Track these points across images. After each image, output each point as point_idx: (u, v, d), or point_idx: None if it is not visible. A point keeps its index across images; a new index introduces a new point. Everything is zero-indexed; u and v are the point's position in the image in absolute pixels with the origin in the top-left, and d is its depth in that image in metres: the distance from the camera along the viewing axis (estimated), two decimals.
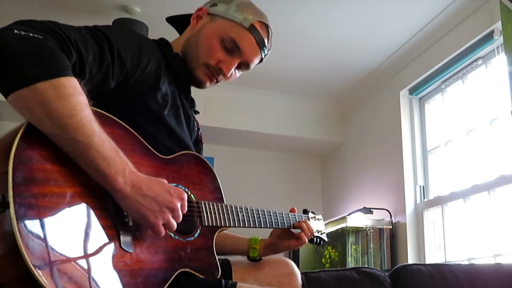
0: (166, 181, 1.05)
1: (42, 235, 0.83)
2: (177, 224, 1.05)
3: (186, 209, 1.07)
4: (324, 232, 1.62)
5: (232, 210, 1.29)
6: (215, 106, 4.27)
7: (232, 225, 1.28)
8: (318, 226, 1.59)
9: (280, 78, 4.23)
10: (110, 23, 3.22)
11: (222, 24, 1.32)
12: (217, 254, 1.23)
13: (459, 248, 3.26)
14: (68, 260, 0.86)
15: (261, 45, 1.34)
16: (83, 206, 0.93)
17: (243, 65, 1.37)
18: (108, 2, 3.23)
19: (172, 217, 1.03)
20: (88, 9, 3.29)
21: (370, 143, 4.22)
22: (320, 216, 1.65)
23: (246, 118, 4.46)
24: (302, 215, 1.55)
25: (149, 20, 3.27)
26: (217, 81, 1.36)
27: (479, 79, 3.29)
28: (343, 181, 4.61)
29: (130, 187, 0.97)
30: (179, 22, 1.44)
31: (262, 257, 1.48)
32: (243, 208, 1.32)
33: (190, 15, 1.40)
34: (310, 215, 1.59)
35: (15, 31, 0.90)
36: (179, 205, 1.03)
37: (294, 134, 4.61)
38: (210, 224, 1.22)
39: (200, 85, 1.36)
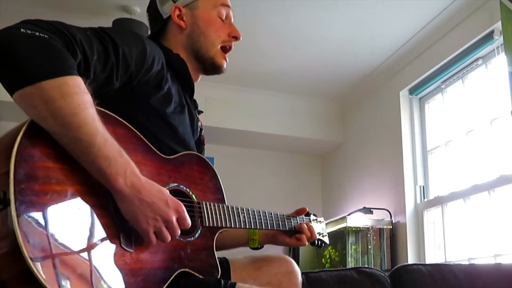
0: (167, 191, 1.05)
1: (42, 233, 0.83)
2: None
3: (189, 223, 1.07)
4: (325, 235, 1.62)
5: (234, 211, 1.29)
6: (215, 106, 4.26)
7: (233, 226, 1.28)
8: (319, 228, 1.59)
9: (280, 78, 4.23)
10: (110, 23, 3.23)
11: (203, 3, 1.38)
12: (217, 249, 1.23)
13: (459, 248, 3.26)
14: (68, 258, 0.87)
15: None
16: (84, 205, 0.93)
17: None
18: (108, 2, 3.23)
19: (167, 228, 1.03)
20: (88, 9, 3.29)
21: (370, 143, 4.22)
22: (321, 219, 1.64)
23: (246, 118, 4.46)
24: (304, 217, 1.55)
25: None
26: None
27: (479, 79, 3.29)
28: (343, 181, 4.60)
29: (130, 188, 0.97)
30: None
31: (263, 245, 1.51)
32: (244, 209, 1.32)
33: (161, 23, 1.38)
34: (312, 217, 1.58)
35: (22, 29, 0.91)
36: (174, 218, 1.03)
37: (294, 134, 4.60)
38: (211, 224, 1.22)
39: (219, 69, 1.42)
